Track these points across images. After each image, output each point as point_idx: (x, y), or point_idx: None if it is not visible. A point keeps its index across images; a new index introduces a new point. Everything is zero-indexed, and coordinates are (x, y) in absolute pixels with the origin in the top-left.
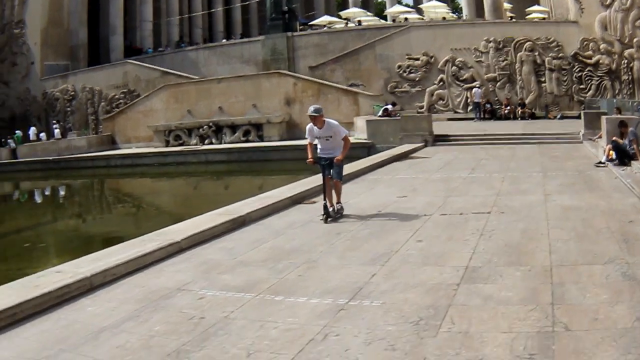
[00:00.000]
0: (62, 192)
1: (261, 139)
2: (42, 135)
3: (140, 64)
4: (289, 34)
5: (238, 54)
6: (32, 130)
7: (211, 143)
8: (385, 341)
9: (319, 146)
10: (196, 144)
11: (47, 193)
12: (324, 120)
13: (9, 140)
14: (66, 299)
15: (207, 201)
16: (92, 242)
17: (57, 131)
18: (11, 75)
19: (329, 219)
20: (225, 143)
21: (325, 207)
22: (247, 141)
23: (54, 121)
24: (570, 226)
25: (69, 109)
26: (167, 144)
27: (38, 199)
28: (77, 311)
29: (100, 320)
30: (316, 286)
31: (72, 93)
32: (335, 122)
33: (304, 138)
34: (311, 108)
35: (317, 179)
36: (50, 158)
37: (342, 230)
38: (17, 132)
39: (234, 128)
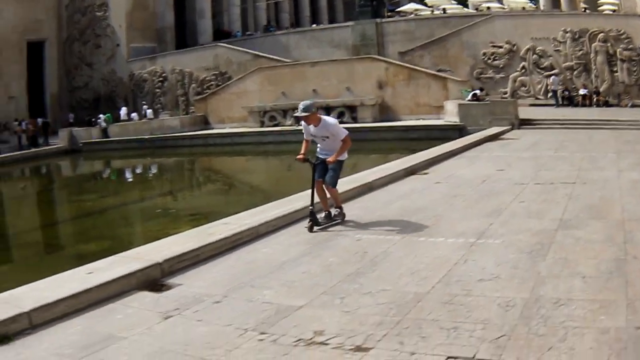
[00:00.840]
0: (168, 168)
1: (355, 120)
2: (134, 115)
3: (231, 47)
4: (378, 20)
5: (328, 39)
6: (123, 110)
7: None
8: (509, 263)
9: (318, 146)
10: (291, 125)
11: (153, 169)
12: (320, 118)
13: (99, 120)
14: (239, 244)
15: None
16: (214, 210)
17: (149, 111)
18: (95, 57)
19: (316, 227)
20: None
21: (311, 212)
22: (341, 122)
23: (143, 102)
24: (638, 194)
25: (158, 90)
26: (262, 125)
27: (147, 173)
28: (253, 252)
29: (278, 257)
30: (448, 231)
31: (162, 75)
32: (334, 121)
33: (397, 119)
34: (300, 106)
35: (426, 153)
36: (146, 137)
37: (458, 194)
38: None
39: (328, 110)
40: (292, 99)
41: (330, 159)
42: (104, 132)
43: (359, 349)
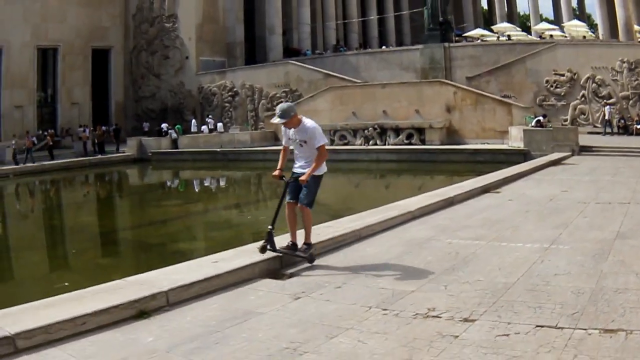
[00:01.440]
0: (242, 181)
1: (423, 142)
2: (204, 127)
3: (302, 65)
4: (446, 44)
5: (397, 61)
6: (193, 123)
7: (375, 144)
8: (578, 263)
9: (295, 161)
10: (360, 144)
11: (225, 180)
12: (300, 120)
13: (170, 131)
14: (343, 244)
15: (390, 193)
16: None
17: (219, 125)
18: (163, 68)
19: (266, 249)
20: (389, 145)
21: (269, 233)
22: (409, 144)
23: (209, 115)
24: None
25: (227, 104)
26: (332, 143)
27: (223, 184)
28: (358, 251)
29: (382, 255)
30: (525, 238)
31: (232, 89)
32: (313, 124)
33: (463, 143)
34: (277, 110)
35: (497, 174)
36: (218, 149)
37: (530, 209)
38: (171, 125)
39: (397, 131)
40: (362, 119)
41: (303, 177)
42: (174, 143)
43: (466, 320)
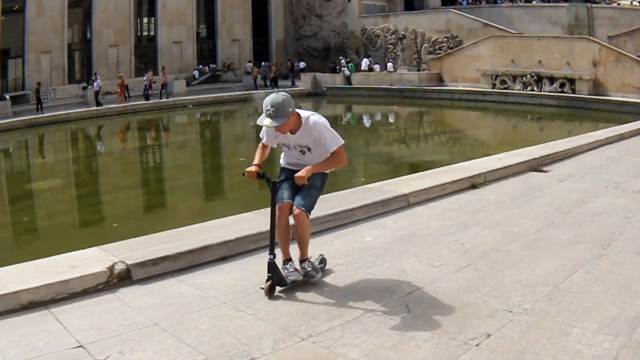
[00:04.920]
0: (425, 115)
1: (573, 92)
2: (377, 66)
3: (462, 14)
4: (589, 5)
5: (547, 15)
6: (365, 62)
7: (532, 90)
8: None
9: (284, 157)
10: (519, 90)
11: (407, 115)
12: (300, 120)
13: (343, 68)
14: (569, 155)
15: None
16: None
17: (390, 64)
18: (324, 10)
19: (277, 287)
20: (544, 92)
21: (271, 265)
22: (561, 92)
23: (368, 55)
24: None
25: (391, 46)
26: (493, 87)
27: (411, 118)
28: (577, 160)
29: (598, 162)
30: None
31: (394, 32)
32: (320, 120)
33: (607, 95)
34: (267, 106)
35: None
36: (394, 87)
37: None
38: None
39: (551, 80)
40: (520, 66)
41: (301, 172)
42: (347, 79)
43: None
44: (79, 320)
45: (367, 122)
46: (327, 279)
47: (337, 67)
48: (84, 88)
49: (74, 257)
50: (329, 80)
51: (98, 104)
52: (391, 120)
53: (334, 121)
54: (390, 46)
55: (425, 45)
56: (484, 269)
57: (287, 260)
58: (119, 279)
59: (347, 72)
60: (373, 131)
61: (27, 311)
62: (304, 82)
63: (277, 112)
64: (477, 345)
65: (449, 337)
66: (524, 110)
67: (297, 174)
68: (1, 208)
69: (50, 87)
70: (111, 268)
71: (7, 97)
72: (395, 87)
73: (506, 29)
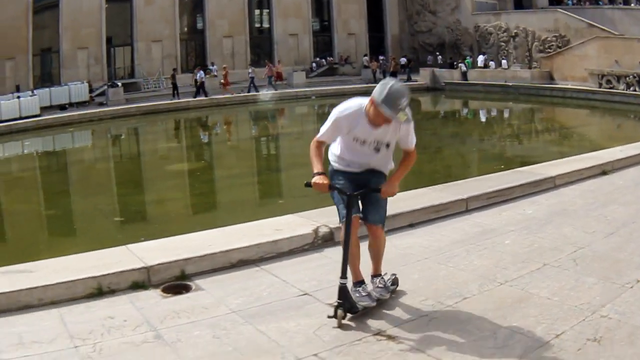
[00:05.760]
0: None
1: None
2: (492, 63)
3: (569, 14)
4: None
5: None
6: (480, 58)
7: (634, 90)
8: None
9: (346, 156)
10: (623, 89)
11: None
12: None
13: (460, 64)
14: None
15: None
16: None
17: (504, 61)
18: (438, 6)
19: (347, 314)
20: None
21: (342, 290)
22: None
23: (482, 52)
24: None
25: (503, 43)
26: (600, 86)
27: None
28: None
29: (636, 178)
30: None
31: (505, 30)
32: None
33: None
34: (398, 99)
35: None
36: (510, 84)
37: None
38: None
39: None
40: (623, 67)
41: (387, 187)
42: (464, 75)
43: None
44: (295, 275)
45: (489, 116)
46: (507, 240)
47: (455, 63)
48: None
49: (277, 222)
50: (446, 75)
51: (202, 93)
52: (518, 115)
53: (453, 115)
54: (502, 44)
55: (535, 43)
56: (626, 236)
57: (359, 282)
58: (323, 240)
59: (463, 68)
60: (504, 125)
61: (237, 269)
62: (423, 77)
63: (407, 103)
64: (631, 287)
65: (610, 282)
66: (630, 109)
67: (387, 189)
68: (173, 185)
69: (163, 76)
70: (316, 230)
71: (119, 84)
72: (510, 84)
73: (610, 30)
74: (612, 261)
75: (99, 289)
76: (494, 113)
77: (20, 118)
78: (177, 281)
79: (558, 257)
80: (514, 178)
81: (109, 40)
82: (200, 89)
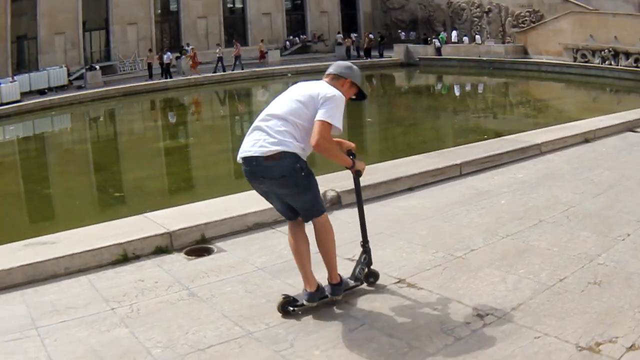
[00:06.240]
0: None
1: None
2: (465, 38)
3: None
4: None
5: None
6: (454, 34)
7: (610, 65)
8: None
9: (307, 146)
10: (598, 64)
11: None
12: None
13: (434, 40)
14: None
15: None
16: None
17: (477, 37)
18: None
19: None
20: (620, 66)
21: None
22: (637, 67)
23: (454, 27)
24: None
25: (476, 19)
26: (575, 60)
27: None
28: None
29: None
30: None
31: (479, 6)
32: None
33: None
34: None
35: None
36: (484, 58)
37: None
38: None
39: (627, 55)
40: (598, 41)
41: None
42: (438, 51)
43: None
44: (309, 234)
45: (465, 90)
46: (503, 201)
47: (429, 39)
48: (177, 58)
49: None
50: (420, 51)
51: (167, 75)
52: (493, 89)
53: (427, 90)
54: (475, 19)
55: (509, 19)
56: (613, 196)
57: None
58: (331, 203)
59: (437, 44)
60: (478, 99)
61: (253, 231)
62: (397, 53)
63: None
64: (623, 240)
65: (603, 235)
66: (605, 83)
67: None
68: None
69: (138, 57)
70: (324, 194)
71: (97, 67)
72: (485, 59)
73: (584, 5)
74: (602, 218)
75: (124, 255)
76: (468, 87)
77: (1, 104)
78: (198, 245)
79: (552, 215)
80: (501, 145)
81: (84, 25)
82: (166, 71)
